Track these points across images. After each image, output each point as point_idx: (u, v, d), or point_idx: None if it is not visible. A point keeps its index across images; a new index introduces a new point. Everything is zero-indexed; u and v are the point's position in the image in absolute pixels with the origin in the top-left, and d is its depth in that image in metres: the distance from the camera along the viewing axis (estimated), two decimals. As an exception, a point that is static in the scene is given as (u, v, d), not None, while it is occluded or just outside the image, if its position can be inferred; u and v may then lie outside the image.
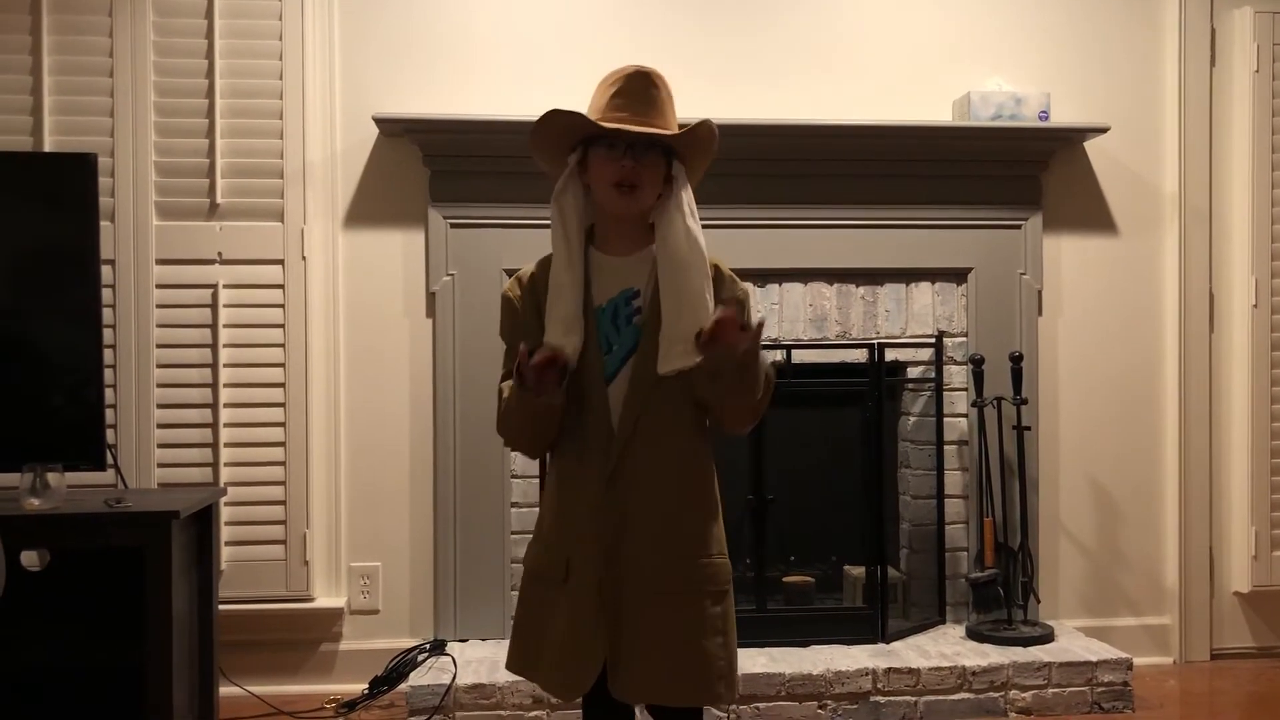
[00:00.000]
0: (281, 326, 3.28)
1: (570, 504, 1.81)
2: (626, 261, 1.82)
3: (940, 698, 3.05)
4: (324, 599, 3.34)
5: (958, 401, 3.50)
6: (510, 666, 1.87)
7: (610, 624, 1.75)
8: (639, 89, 1.78)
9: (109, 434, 3.00)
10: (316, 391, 3.31)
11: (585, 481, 1.78)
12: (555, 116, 1.78)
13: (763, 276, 3.39)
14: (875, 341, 3.38)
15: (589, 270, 1.81)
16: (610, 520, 1.76)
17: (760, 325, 1.68)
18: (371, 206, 3.38)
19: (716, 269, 1.83)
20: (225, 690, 3.09)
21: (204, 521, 2.83)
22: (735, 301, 1.69)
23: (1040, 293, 3.55)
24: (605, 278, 1.82)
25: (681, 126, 1.79)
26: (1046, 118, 3.45)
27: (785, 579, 3.39)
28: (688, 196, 1.80)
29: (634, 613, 1.75)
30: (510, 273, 3.29)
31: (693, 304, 1.75)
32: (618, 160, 1.76)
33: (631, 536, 1.76)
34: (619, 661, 1.75)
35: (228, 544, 3.24)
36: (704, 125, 1.79)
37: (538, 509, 3.27)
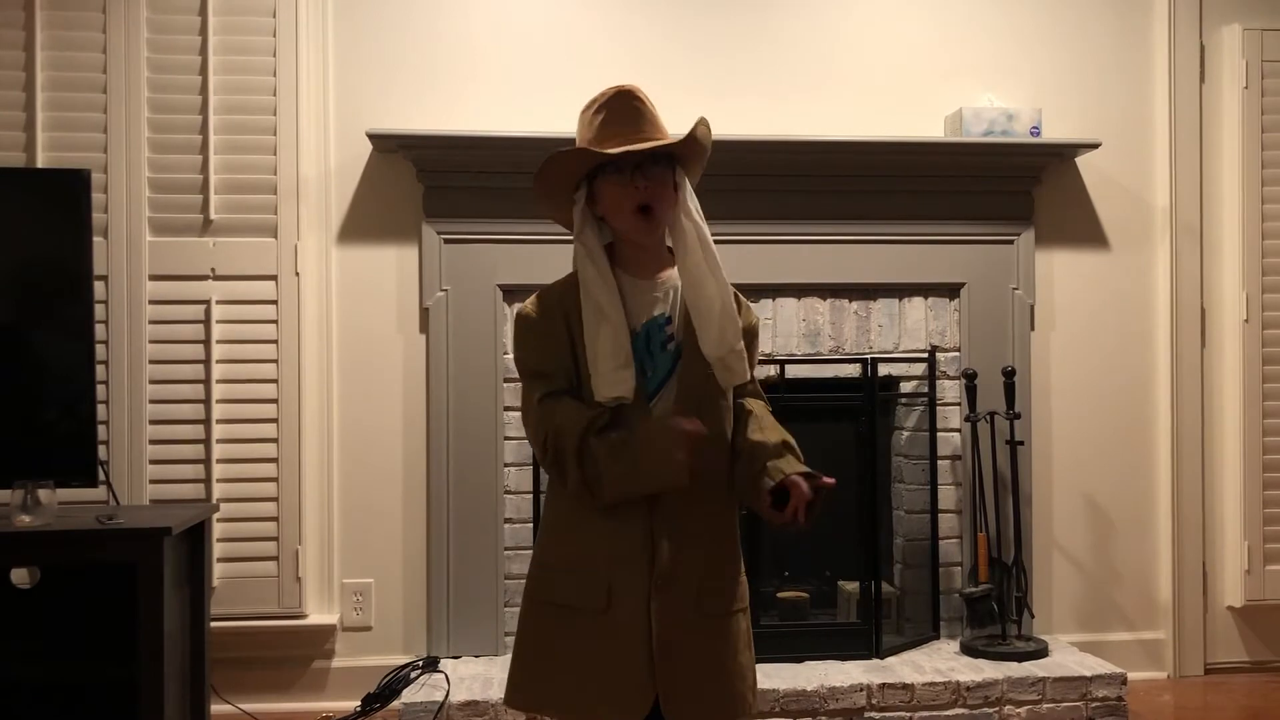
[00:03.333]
0: (275, 342, 3.28)
1: (611, 530, 1.75)
2: (653, 284, 1.80)
3: (935, 713, 3.04)
4: (317, 615, 3.32)
5: (951, 416, 3.50)
6: (515, 702, 1.80)
7: (660, 651, 1.72)
8: (625, 108, 1.76)
9: (101, 450, 2.98)
10: (310, 407, 3.30)
11: (629, 507, 1.73)
12: (560, 159, 1.74)
13: (756, 291, 3.39)
14: (868, 356, 3.39)
15: (620, 295, 1.78)
16: (657, 545, 1.73)
17: (823, 488, 1.70)
18: (365, 222, 3.38)
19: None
20: (217, 708, 3.07)
21: (196, 538, 2.82)
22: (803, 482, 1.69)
23: (1033, 307, 3.56)
24: (635, 300, 1.79)
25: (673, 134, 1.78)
26: (1038, 133, 3.46)
27: (779, 594, 3.38)
28: (693, 201, 1.79)
29: (682, 637, 1.74)
30: (506, 289, 3.33)
31: (720, 317, 1.75)
32: (630, 184, 1.73)
33: (675, 561, 1.74)
34: (673, 689, 1.73)
35: (220, 560, 3.23)
36: (700, 126, 1.77)
37: (532, 525, 3.30)
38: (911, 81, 3.55)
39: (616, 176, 1.74)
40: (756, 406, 1.84)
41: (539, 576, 1.81)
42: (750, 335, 1.85)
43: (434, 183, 3.34)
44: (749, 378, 1.82)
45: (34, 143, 3.19)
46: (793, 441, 1.79)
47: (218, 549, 3.20)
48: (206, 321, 3.25)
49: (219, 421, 3.25)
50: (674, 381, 1.77)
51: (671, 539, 1.74)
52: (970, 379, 3.40)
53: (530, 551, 3.30)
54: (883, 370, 3.42)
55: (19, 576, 2.60)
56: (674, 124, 1.81)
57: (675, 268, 1.80)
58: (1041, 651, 3.27)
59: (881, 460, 3.50)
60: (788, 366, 3.36)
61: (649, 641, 1.72)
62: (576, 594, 1.75)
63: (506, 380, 3.33)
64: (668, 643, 1.72)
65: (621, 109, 1.76)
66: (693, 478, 1.68)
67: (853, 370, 3.41)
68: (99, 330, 3.06)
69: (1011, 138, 3.44)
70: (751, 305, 1.89)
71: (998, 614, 3.35)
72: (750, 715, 1.80)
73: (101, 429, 3.05)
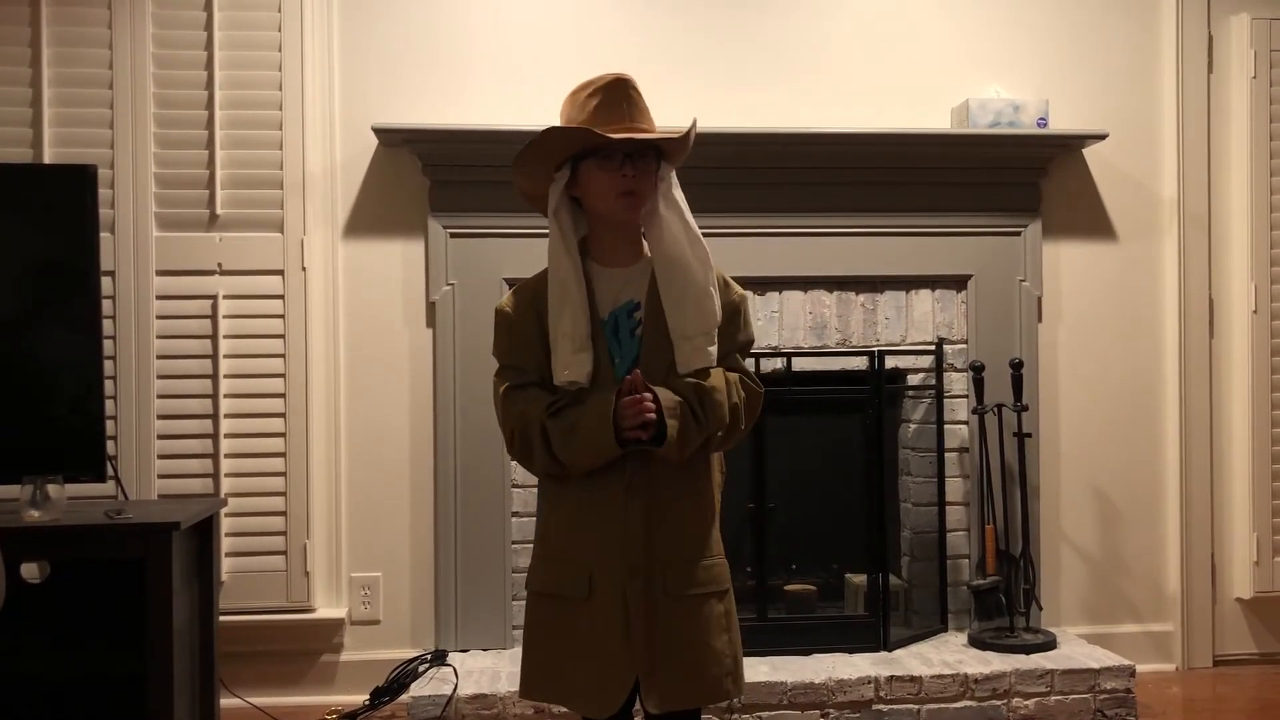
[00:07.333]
0: (282, 337, 3.28)
1: (588, 518, 1.78)
2: (626, 272, 1.82)
3: (943, 706, 3.04)
4: (325, 609, 3.33)
5: (958, 408, 3.50)
6: (528, 694, 1.83)
7: (639, 637, 1.74)
8: (622, 96, 1.77)
9: (109, 445, 3.00)
10: (317, 402, 3.31)
11: (603, 494, 1.76)
12: (556, 134, 1.75)
13: (762, 284, 3.39)
14: (875, 349, 3.38)
15: (589, 283, 1.80)
16: (631, 531, 1.75)
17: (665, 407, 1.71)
18: (371, 217, 3.39)
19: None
20: (226, 702, 3.08)
21: (204, 532, 2.83)
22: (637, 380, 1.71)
23: (1040, 299, 3.55)
24: (606, 289, 1.81)
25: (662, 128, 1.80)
26: (1045, 124, 3.45)
27: (787, 587, 3.38)
28: (677, 191, 1.80)
29: (654, 621, 1.75)
30: (512, 283, 3.31)
31: (697, 298, 1.76)
32: (617, 171, 1.74)
33: (650, 545, 1.75)
34: (652, 673, 1.74)
35: (228, 555, 3.23)
36: (693, 129, 1.79)
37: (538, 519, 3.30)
38: (917, 73, 3.54)
39: (605, 162, 1.74)
40: (715, 373, 1.79)
41: (533, 568, 1.86)
42: (732, 310, 1.84)
43: (440, 177, 3.34)
44: (715, 363, 1.79)
45: (40, 139, 3.20)
46: (715, 395, 1.75)
47: (226, 543, 3.21)
48: (213, 316, 3.25)
49: (227, 416, 3.25)
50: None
51: (647, 525, 1.75)
52: (977, 371, 3.39)
53: (537, 545, 3.33)
54: (890, 363, 3.42)
55: (29, 571, 2.60)
56: (664, 114, 1.82)
57: (647, 256, 1.81)
58: (1049, 644, 3.27)
59: (889, 453, 3.49)
60: (794, 359, 3.35)
61: (626, 628, 1.74)
62: (562, 583, 1.78)
63: (513, 374, 3.33)
64: (642, 628, 1.74)
65: (617, 96, 1.76)
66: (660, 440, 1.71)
67: (860, 363, 3.40)
68: (106, 325, 3.08)
69: (1018, 129, 3.42)
70: (750, 294, 1.89)
71: (1005, 606, 3.34)
72: (727, 699, 1.80)
73: (110, 424, 3.07)
